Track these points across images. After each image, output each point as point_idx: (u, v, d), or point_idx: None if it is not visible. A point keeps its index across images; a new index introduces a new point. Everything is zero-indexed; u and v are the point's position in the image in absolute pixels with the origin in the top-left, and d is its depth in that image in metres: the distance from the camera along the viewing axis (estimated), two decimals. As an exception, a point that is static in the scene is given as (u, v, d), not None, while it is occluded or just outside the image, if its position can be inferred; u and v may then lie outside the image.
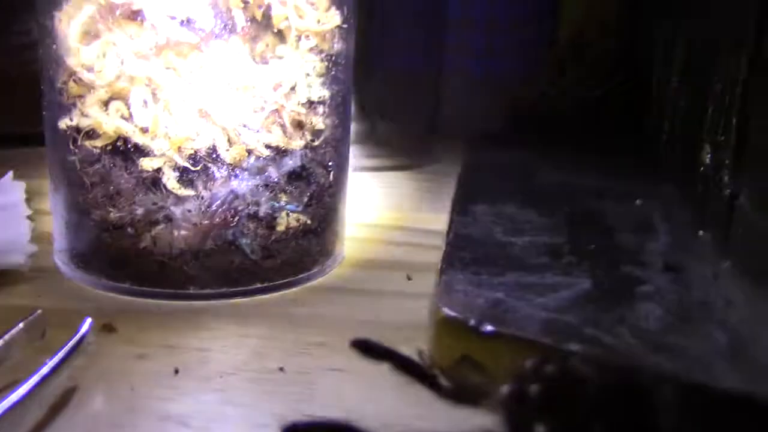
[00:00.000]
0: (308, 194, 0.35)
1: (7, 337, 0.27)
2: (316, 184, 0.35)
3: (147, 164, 0.32)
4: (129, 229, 0.33)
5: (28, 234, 0.37)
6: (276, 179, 0.34)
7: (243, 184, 0.33)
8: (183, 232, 0.33)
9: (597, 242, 0.37)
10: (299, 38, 0.34)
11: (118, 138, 0.33)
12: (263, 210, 0.34)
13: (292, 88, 0.34)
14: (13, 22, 0.52)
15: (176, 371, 0.28)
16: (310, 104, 0.34)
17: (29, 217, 0.38)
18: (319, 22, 0.34)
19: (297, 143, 0.34)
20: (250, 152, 0.33)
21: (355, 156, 0.39)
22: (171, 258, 0.33)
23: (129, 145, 0.32)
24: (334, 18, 0.34)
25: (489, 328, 0.27)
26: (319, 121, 0.35)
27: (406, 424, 0.25)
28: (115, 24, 0.31)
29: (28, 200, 0.40)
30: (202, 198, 0.33)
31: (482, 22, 0.60)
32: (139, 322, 0.32)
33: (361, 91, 0.39)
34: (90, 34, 0.32)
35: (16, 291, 0.34)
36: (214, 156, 0.33)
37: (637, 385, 0.21)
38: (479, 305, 0.30)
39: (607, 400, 0.21)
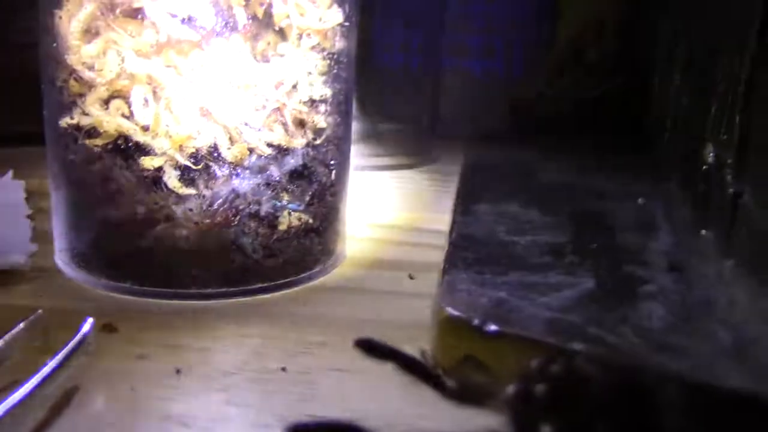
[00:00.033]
0: (310, 193, 0.35)
1: (7, 337, 0.27)
2: (317, 182, 0.35)
3: (148, 163, 0.32)
4: (130, 229, 0.33)
5: (28, 233, 0.37)
6: (278, 178, 0.34)
7: (244, 183, 0.33)
8: (184, 232, 0.33)
9: (599, 242, 0.37)
10: (301, 36, 0.33)
11: (119, 136, 0.32)
12: (265, 209, 0.34)
13: (294, 87, 0.34)
14: (12, 20, 0.51)
15: (178, 371, 0.28)
16: (312, 102, 0.34)
17: (29, 217, 0.38)
18: (320, 20, 0.34)
19: (299, 142, 0.34)
20: (251, 151, 0.33)
21: (354, 155, 0.39)
22: (172, 257, 0.33)
23: (130, 144, 0.32)
24: (335, 16, 0.34)
25: (493, 327, 0.27)
26: (320, 120, 0.35)
27: (410, 424, 0.25)
28: (116, 22, 0.31)
29: (28, 199, 0.40)
30: (204, 197, 0.33)
31: (481, 23, 0.60)
32: (139, 322, 0.32)
33: (360, 90, 0.39)
34: (90, 32, 0.32)
35: (16, 291, 0.34)
36: (216, 155, 0.32)
37: (643, 385, 0.21)
38: (482, 305, 0.29)
39: (613, 399, 0.21)
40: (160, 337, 0.31)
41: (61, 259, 0.36)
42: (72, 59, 0.32)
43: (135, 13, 0.31)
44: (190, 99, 0.32)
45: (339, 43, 0.35)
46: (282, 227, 0.34)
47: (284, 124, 0.34)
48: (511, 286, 0.31)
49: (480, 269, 0.33)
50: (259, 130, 0.33)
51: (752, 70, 0.32)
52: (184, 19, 0.31)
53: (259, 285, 0.34)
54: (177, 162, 0.32)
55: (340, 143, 0.36)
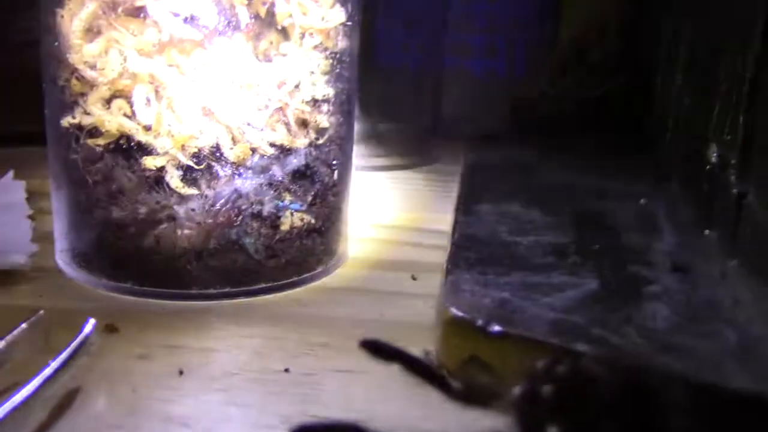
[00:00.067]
0: (312, 193, 0.35)
1: (9, 337, 0.26)
2: (320, 182, 0.35)
3: (150, 163, 0.32)
4: (132, 229, 0.33)
5: (29, 233, 0.36)
6: (280, 178, 0.34)
7: (247, 183, 0.33)
8: (186, 232, 0.33)
9: (602, 242, 0.37)
10: (303, 36, 0.33)
11: (121, 136, 0.32)
12: (267, 209, 0.34)
13: (297, 86, 0.33)
14: (12, 20, 0.51)
15: (180, 372, 0.28)
16: (315, 102, 0.34)
17: (30, 217, 0.38)
18: (323, 19, 0.33)
19: (301, 141, 0.34)
20: (254, 151, 0.33)
21: (356, 155, 0.39)
22: (174, 258, 0.33)
23: (132, 144, 0.32)
24: (338, 15, 0.34)
25: (497, 328, 0.27)
26: (323, 120, 0.35)
27: (415, 425, 0.25)
28: (118, 21, 0.31)
29: (28, 200, 0.40)
30: (206, 197, 0.33)
31: (484, 22, 0.60)
32: (141, 323, 0.32)
33: (362, 90, 0.39)
34: (92, 31, 0.32)
35: (17, 291, 0.34)
36: (218, 154, 0.32)
37: (649, 386, 0.21)
38: (486, 305, 0.29)
39: (620, 400, 0.21)
40: (161, 337, 0.31)
41: (62, 259, 0.36)
42: (74, 58, 0.32)
43: (137, 12, 0.31)
44: (192, 98, 0.32)
45: (341, 43, 0.35)
46: (284, 227, 0.34)
47: (287, 124, 0.34)
48: (514, 286, 0.31)
49: (483, 270, 0.33)
50: (262, 129, 0.33)
51: (756, 70, 0.32)
52: (186, 18, 0.31)
53: (262, 285, 0.34)
54: (179, 162, 0.32)
55: (342, 143, 0.36)
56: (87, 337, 0.27)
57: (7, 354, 0.26)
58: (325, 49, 0.34)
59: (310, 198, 0.35)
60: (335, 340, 0.31)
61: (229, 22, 0.32)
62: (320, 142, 0.35)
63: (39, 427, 0.25)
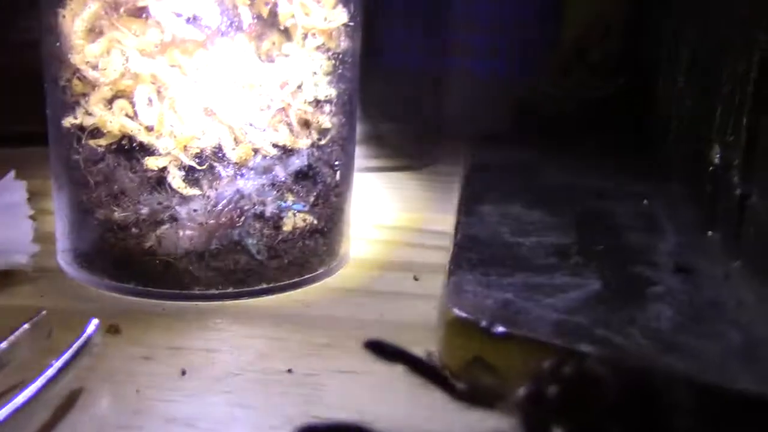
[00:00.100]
0: (315, 194, 0.35)
1: (12, 338, 0.26)
2: (322, 183, 0.35)
3: (152, 163, 0.32)
4: (133, 229, 0.33)
5: (30, 234, 0.36)
6: (282, 178, 0.34)
7: (249, 184, 0.33)
8: (188, 232, 0.33)
9: (604, 243, 0.36)
10: (306, 36, 0.33)
11: (123, 136, 0.32)
12: (269, 210, 0.34)
13: (299, 87, 0.33)
14: (13, 20, 0.51)
15: (183, 372, 0.28)
16: (317, 103, 0.34)
17: (31, 217, 0.38)
18: (325, 19, 0.33)
19: (304, 142, 0.34)
20: (256, 151, 0.33)
21: (357, 156, 0.39)
22: (176, 258, 0.33)
23: (134, 144, 0.32)
24: (340, 15, 0.34)
25: (500, 329, 0.27)
26: (325, 120, 0.34)
27: (418, 426, 0.25)
28: (120, 21, 0.31)
29: (29, 200, 0.40)
30: (208, 197, 0.33)
31: (485, 23, 0.60)
32: (143, 323, 0.32)
33: (362, 91, 0.39)
34: (94, 31, 0.32)
35: (18, 291, 0.34)
36: (220, 155, 0.32)
37: (653, 386, 0.21)
38: (489, 306, 0.29)
39: (625, 401, 0.21)
40: (164, 338, 0.31)
41: (63, 259, 0.36)
42: (75, 58, 0.32)
43: (139, 12, 0.31)
44: (194, 99, 0.32)
45: (344, 43, 0.35)
46: (287, 228, 0.34)
47: (289, 125, 0.33)
48: (517, 287, 0.31)
49: (485, 270, 0.33)
50: (264, 130, 0.33)
51: (760, 70, 0.32)
52: (188, 19, 0.31)
53: (264, 286, 0.34)
54: (181, 162, 0.32)
55: (344, 144, 0.36)
56: (90, 338, 0.27)
57: (10, 354, 0.26)
58: (328, 49, 0.34)
59: (312, 198, 0.35)
60: (338, 341, 0.31)
61: (231, 23, 0.32)
62: (322, 142, 0.35)
63: (42, 427, 0.25)
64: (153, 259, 0.33)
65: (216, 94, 0.32)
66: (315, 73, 0.34)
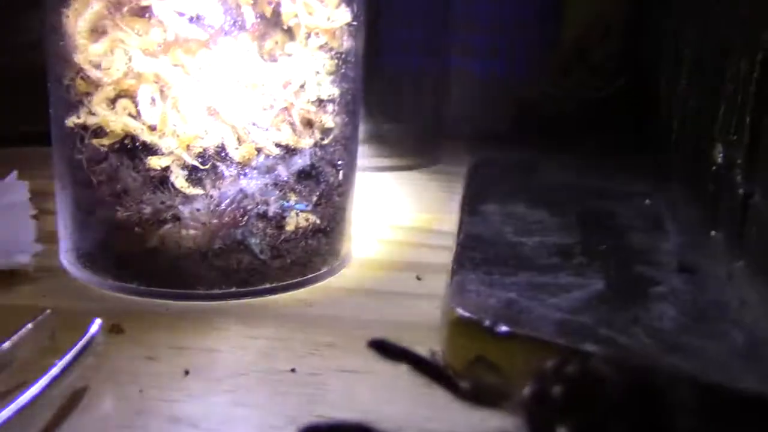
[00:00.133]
0: (317, 193, 0.35)
1: (15, 337, 0.26)
2: (325, 183, 0.35)
3: (155, 163, 0.32)
4: (136, 229, 0.33)
5: (32, 233, 0.36)
6: (285, 178, 0.34)
7: (252, 183, 0.33)
8: (191, 232, 0.33)
9: (608, 242, 0.36)
10: (309, 35, 0.33)
11: (126, 136, 0.32)
12: (272, 209, 0.34)
13: (302, 86, 0.33)
14: (16, 19, 0.51)
15: (186, 372, 0.28)
16: (320, 102, 0.34)
17: (34, 217, 0.38)
18: (328, 19, 0.33)
19: (306, 142, 0.34)
20: (259, 151, 0.33)
21: (359, 156, 0.39)
22: (179, 258, 0.33)
23: (137, 144, 0.32)
24: (343, 15, 0.34)
25: (504, 328, 0.27)
26: (328, 120, 0.34)
27: (422, 425, 0.25)
28: (123, 20, 0.31)
29: (32, 199, 0.40)
30: (211, 197, 0.33)
31: (486, 23, 0.60)
32: (146, 323, 0.32)
33: (364, 91, 0.39)
34: (98, 31, 0.32)
35: (21, 291, 0.34)
36: (223, 154, 0.32)
37: (657, 386, 0.21)
38: (492, 306, 0.29)
39: (628, 400, 0.21)
40: (167, 338, 0.31)
41: (66, 259, 0.36)
42: (79, 58, 0.32)
43: (142, 12, 0.31)
44: (197, 98, 0.32)
45: (347, 43, 0.35)
46: (289, 228, 0.34)
47: (292, 124, 0.33)
48: (520, 287, 0.31)
49: (488, 270, 0.33)
50: (267, 129, 0.33)
51: (763, 70, 0.32)
52: (191, 18, 0.31)
53: (267, 285, 0.34)
54: (184, 162, 0.32)
55: (347, 143, 0.36)
56: (93, 338, 0.27)
57: (13, 354, 0.26)
58: (331, 49, 0.34)
59: (315, 198, 0.35)
60: (341, 340, 0.31)
61: (234, 22, 0.32)
62: (325, 142, 0.35)
63: (46, 427, 0.25)
64: (156, 258, 0.33)
65: (219, 93, 0.32)
66: (318, 72, 0.34)
